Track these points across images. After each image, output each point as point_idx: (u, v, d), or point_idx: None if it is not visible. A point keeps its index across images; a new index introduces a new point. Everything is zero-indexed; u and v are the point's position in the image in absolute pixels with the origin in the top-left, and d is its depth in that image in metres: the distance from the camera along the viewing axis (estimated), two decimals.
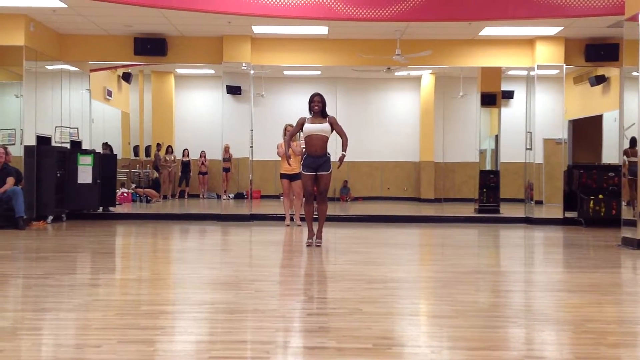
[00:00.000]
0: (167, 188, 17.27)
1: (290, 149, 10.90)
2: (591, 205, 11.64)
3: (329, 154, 8.30)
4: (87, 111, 13.29)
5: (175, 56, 12.71)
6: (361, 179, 18.52)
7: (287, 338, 3.88)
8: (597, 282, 6.02)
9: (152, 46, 12.33)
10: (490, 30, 11.76)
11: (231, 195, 15.87)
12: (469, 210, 13.50)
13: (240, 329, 4.07)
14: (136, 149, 17.32)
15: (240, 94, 12.89)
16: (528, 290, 5.81)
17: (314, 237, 8.31)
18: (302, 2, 10.07)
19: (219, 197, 17.04)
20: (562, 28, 11.54)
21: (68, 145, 12.26)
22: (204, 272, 6.31)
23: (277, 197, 16.70)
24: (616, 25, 10.51)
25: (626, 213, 8.73)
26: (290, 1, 10.08)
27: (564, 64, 12.40)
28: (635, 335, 4.11)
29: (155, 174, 16.88)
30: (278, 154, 11.11)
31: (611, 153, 14.20)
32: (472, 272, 6.73)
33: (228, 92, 12.89)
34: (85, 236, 9.51)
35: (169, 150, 17.55)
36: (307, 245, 8.24)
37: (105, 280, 6.00)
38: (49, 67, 12.06)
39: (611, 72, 14.28)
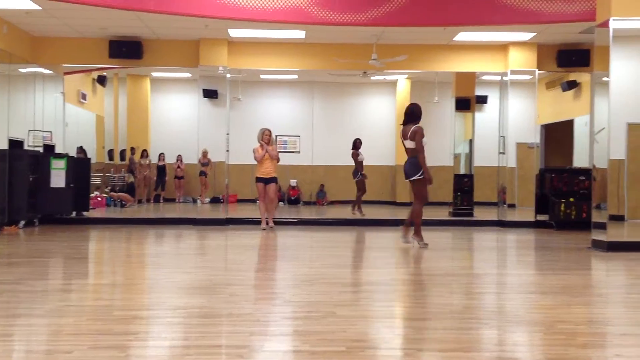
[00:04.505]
0: (142, 192, 17.14)
1: (266, 153, 10.95)
2: (562, 208, 11.81)
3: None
4: (60, 115, 13.16)
5: (151, 59, 12.65)
6: (338, 183, 18.54)
7: (262, 342, 3.88)
8: (568, 284, 6.11)
9: (127, 49, 12.26)
10: (465, 36, 11.89)
11: (207, 200, 15.80)
12: (443, 214, 13.60)
13: (215, 333, 4.06)
14: (111, 153, 17.17)
15: (216, 97, 12.86)
16: (501, 292, 5.88)
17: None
18: (280, 6, 10.09)
19: (194, 201, 16.97)
20: (535, 34, 11.70)
21: (41, 149, 12.11)
22: (178, 277, 6.28)
23: (254, 201, 16.68)
24: (587, 32, 10.70)
25: (596, 216, 8.88)
26: (267, 5, 10.09)
27: (537, 70, 12.58)
28: (604, 336, 4.18)
29: (131, 178, 16.74)
30: (255, 158, 11.10)
31: (582, 157, 14.41)
32: (446, 274, 6.79)
33: (204, 96, 12.85)
34: (57, 241, 9.39)
35: (144, 154, 17.42)
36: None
37: (77, 285, 5.94)
38: (22, 70, 11.91)
39: (582, 77, 14.51)
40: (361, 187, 13.91)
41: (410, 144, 8.43)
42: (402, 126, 8.66)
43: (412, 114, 8.55)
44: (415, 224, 8.64)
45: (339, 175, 18.52)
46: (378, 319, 4.61)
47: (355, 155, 13.83)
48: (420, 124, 8.50)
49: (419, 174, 8.38)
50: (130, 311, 4.70)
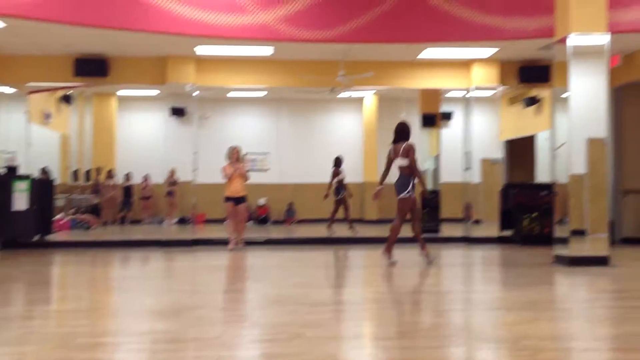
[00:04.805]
0: (108, 214, 16.89)
1: (236, 171, 10.90)
2: (525, 223, 11.96)
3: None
4: (24, 135, 12.95)
5: (117, 77, 12.55)
6: (307, 201, 18.52)
7: None
8: (532, 299, 6.19)
9: (92, 67, 12.16)
10: (429, 53, 12.07)
11: (174, 220, 15.61)
12: (409, 231, 13.67)
13: (181, 358, 4.02)
14: (76, 174, 16.93)
15: (184, 115, 12.80)
16: (467, 309, 5.93)
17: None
18: (247, 23, 10.11)
19: (160, 222, 16.72)
20: (497, 50, 11.93)
21: (4, 170, 11.89)
22: (144, 301, 6.20)
23: (223, 221, 16.57)
24: (547, 48, 10.93)
25: (559, 231, 9.01)
26: (234, 22, 10.11)
27: (499, 86, 12.81)
28: (569, 351, 4.24)
29: (96, 200, 16.50)
30: (224, 176, 11.03)
31: (544, 172, 14.67)
32: (414, 292, 6.84)
33: (172, 114, 12.78)
34: (20, 266, 9.20)
35: (110, 174, 17.20)
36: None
37: (40, 311, 5.82)
38: None
39: (543, 93, 14.82)
40: (342, 205, 13.92)
41: (402, 162, 8.55)
42: (392, 145, 8.76)
43: (403, 132, 8.73)
44: (388, 240, 8.74)
45: (308, 193, 18.52)
46: (347, 339, 4.61)
47: (336, 173, 13.87)
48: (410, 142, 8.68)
49: (405, 192, 8.51)
50: (94, 338, 4.62)
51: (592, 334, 4.73)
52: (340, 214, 14.04)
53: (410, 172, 8.52)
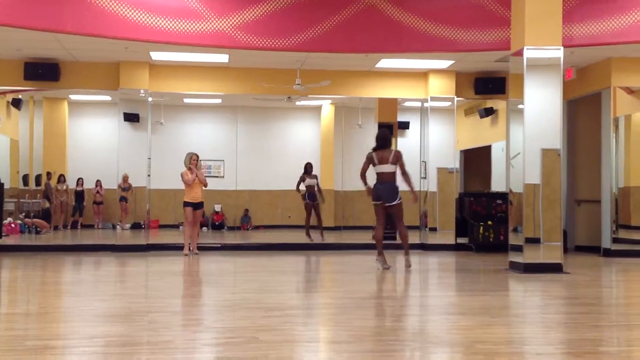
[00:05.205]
0: (59, 218, 16.53)
1: (196, 177, 10.83)
2: (481, 231, 12.17)
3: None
4: None
5: (68, 82, 12.27)
6: (262, 207, 18.45)
7: None
8: (487, 304, 6.26)
9: (43, 71, 11.85)
10: (387, 63, 12.15)
11: (127, 226, 15.34)
12: (367, 238, 13.71)
13: None
14: (26, 178, 16.49)
15: (138, 121, 12.57)
16: (422, 314, 5.96)
17: None
18: (203, 29, 10.01)
19: (114, 227, 16.44)
20: (453, 62, 12.08)
21: None
22: (95, 305, 6.04)
23: (177, 226, 16.37)
24: (503, 60, 11.13)
25: (513, 239, 9.16)
26: (190, 28, 9.99)
27: (455, 96, 12.97)
28: (522, 355, 4.28)
29: (47, 204, 16.11)
30: (186, 182, 10.91)
31: (499, 181, 14.91)
32: (370, 297, 6.84)
33: (125, 120, 12.54)
34: None
35: (61, 179, 16.86)
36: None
37: None
38: None
39: (499, 104, 15.07)
40: (308, 212, 14.03)
41: (390, 168, 8.69)
42: (372, 151, 8.84)
43: (386, 139, 8.91)
44: (404, 246, 8.98)
45: (263, 199, 18.44)
46: (301, 343, 4.57)
47: (302, 179, 13.94)
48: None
49: (398, 199, 8.67)
50: (44, 341, 4.48)
51: (545, 338, 4.79)
52: (302, 220, 14.18)
53: (394, 178, 8.70)
